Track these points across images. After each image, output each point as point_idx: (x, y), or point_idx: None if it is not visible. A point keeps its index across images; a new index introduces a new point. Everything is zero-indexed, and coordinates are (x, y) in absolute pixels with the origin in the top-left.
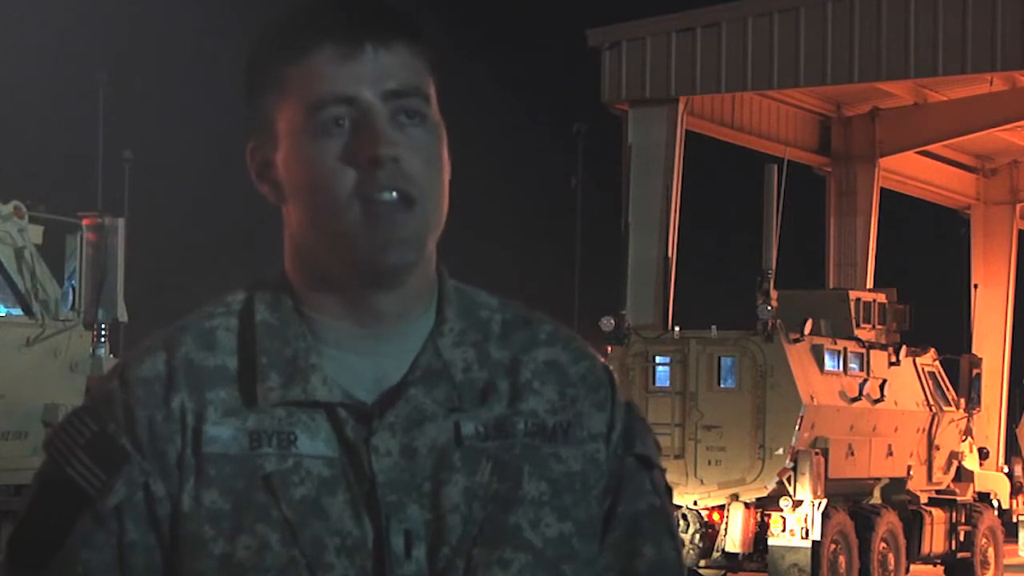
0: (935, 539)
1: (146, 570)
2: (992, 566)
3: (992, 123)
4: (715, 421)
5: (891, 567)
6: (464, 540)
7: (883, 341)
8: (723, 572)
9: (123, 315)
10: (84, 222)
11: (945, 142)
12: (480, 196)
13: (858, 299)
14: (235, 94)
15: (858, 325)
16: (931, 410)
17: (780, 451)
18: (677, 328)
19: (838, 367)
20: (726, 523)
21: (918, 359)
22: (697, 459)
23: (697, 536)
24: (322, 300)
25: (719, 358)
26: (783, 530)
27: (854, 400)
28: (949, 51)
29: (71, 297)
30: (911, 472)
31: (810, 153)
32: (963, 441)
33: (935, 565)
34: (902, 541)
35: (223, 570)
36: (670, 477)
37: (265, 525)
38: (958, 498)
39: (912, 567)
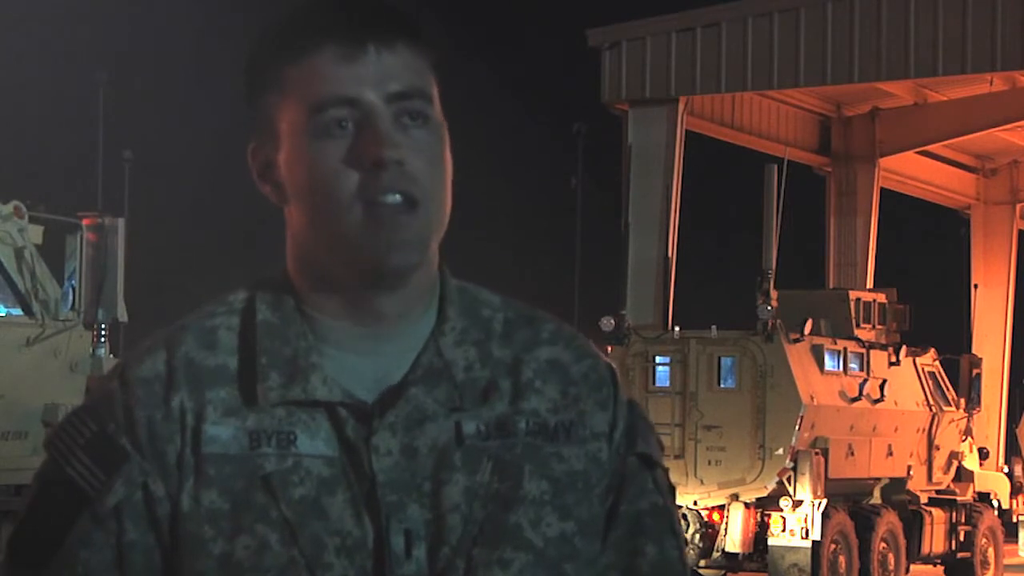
0: (935, 539)
1: (145, 570)
2: (992, 566)
3: (992, 123)
4: (715, 421)
5: (891, 567)
6: (464, 540)
7: (883, 341)
8: (723, 572)
9: (123, 315)
10: (84, 222)
11: (945, 142)
12: (480, 196)
13: (858, 299)
14: (235, 94)
15: (858, 325)
16: (931, 410)
17: (780, 451)
18: (677, 328)
19: (838, 367)
20: (726, 523)
21: (918, 359)
22: (697, 459)
23: (697, 536)
24: (323, 300)
25: (719, 358)
26: (783, 530)
27: (854, 400)
28: (949, 51)
29: (71, 297)
30: (911, 472)
31: (810, 153)
32: (963, 441)
33: (935, 565)
34: (902, 541)
35: (222, 570)
36: (670, 477)
37: (264, 525)
38: (958, 498)
39: (912, 567)
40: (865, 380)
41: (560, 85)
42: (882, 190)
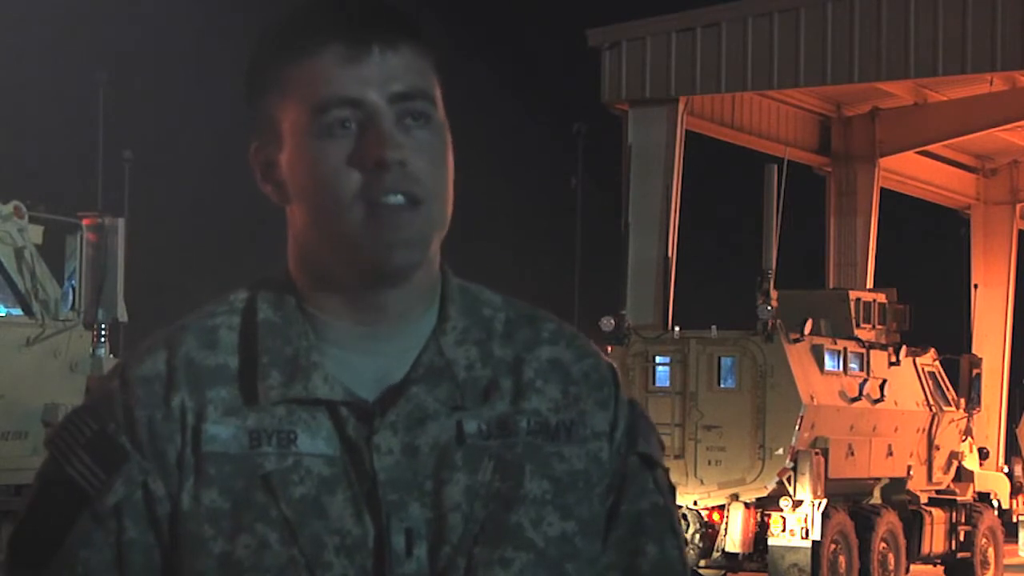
0: (935, 539)
1: (145, 569)
2: (992, 566)
3: (992, 123)
4: (715, 421)
5: (891, 567)
6: (465, 539)
7: (883, 341)
8: (723, 572)
9: (123, 315)
10: (84, 222)
11: (945, 142)
12: (480, 196)
13: (858, 299)
14: (235, 94)
15: (858, 325)
16: (931, 410)
17: (780, 451)
18: (677, 328)
19: (838, 367)
20: (726, 523)
21: (918, 359)
22: (697, 459)
23: (697, 536)
24: (325, 299)
25: (719, 358)
26: (783, 530)
27: (854, 400)
28: (949, 51)
29: (71, 297)
30: (911, 472)
31: (810, 153)
32: (963, 441)
33: (935, 565)
34: (902, 541)
35: (222, 569)
36: (670, 477)
37: (264, 524)
38: (958, 498)
39: (912, 567)
40: (865, 380)
41: (560, 85)
42: (882, 190)
